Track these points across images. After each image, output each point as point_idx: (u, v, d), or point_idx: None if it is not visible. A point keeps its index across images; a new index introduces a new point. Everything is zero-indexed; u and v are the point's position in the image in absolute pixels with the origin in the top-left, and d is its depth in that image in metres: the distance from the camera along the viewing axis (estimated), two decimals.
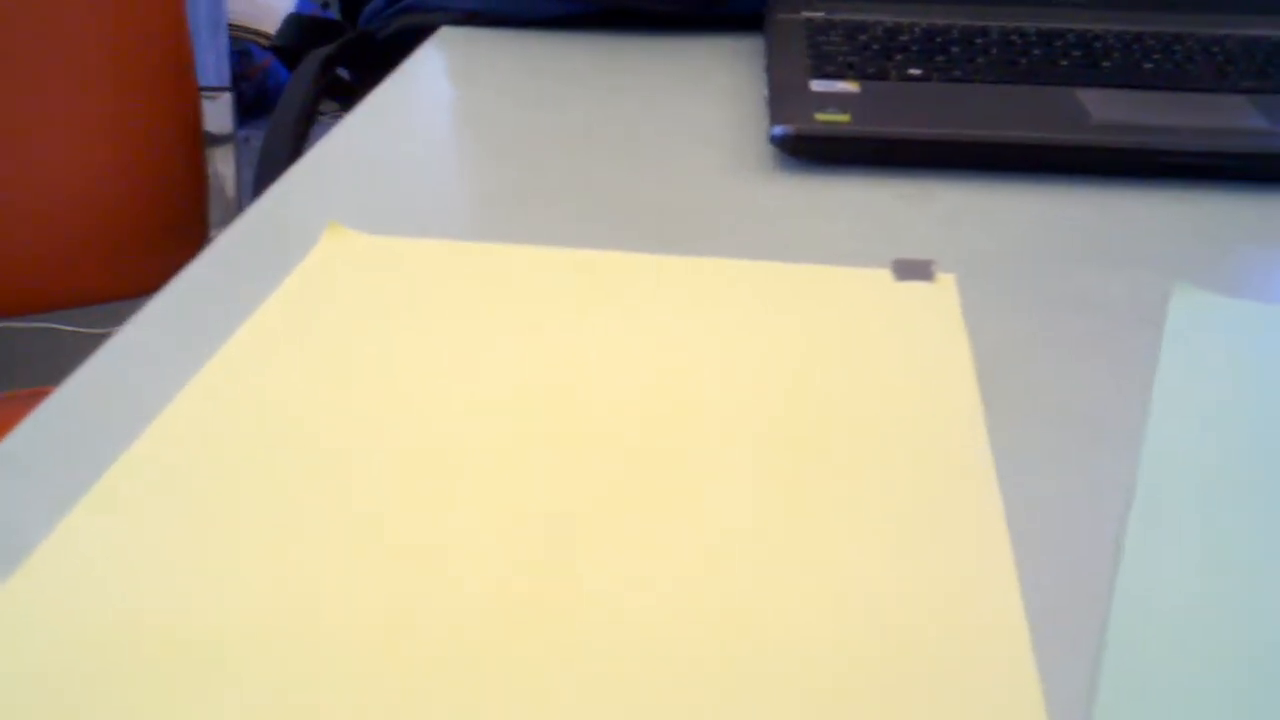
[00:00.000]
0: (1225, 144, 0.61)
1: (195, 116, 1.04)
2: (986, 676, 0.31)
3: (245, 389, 0.42)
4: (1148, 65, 0.70)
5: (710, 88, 0.73)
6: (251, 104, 2.25)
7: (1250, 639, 0.32)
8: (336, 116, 0.71)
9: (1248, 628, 0.32)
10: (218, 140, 1.66)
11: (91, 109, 0.97)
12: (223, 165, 1.67)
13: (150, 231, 1.02)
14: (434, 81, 0.74)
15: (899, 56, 0.70)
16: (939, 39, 0.73)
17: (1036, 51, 0.71)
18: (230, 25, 2.27)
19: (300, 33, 0.91)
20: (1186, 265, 0.52)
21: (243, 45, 2.24)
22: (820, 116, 0.61)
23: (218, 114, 1.62)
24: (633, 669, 0.31)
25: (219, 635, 0.31)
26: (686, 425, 0.40)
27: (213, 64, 2.18)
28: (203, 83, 1.94)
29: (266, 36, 2.20)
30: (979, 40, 0.73)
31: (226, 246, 0.52)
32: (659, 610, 0.33)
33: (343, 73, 0.92)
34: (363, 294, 0.48)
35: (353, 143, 0.63)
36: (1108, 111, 0.63)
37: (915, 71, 0.68)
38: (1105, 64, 0.70)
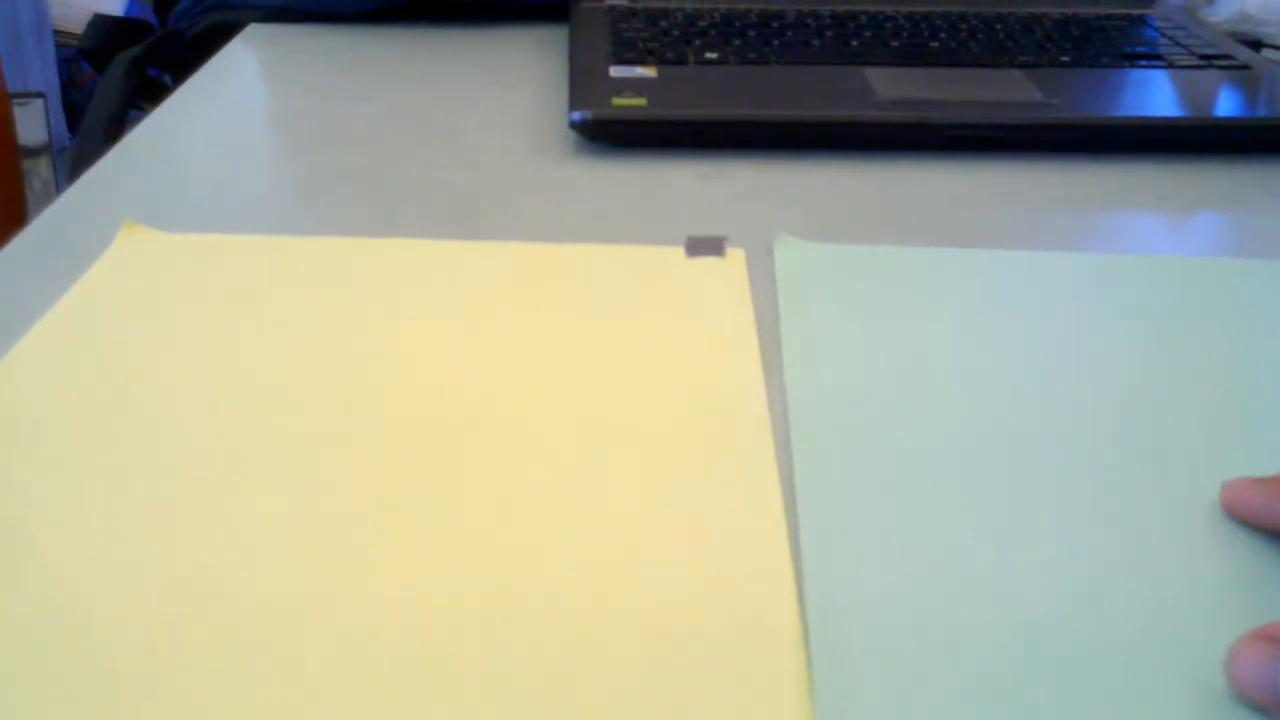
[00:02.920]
0: (1002, 116, 0.64)
1: (5, 124, 1.01)
2: (755, 659, 0.33)
3: (33, 391, 0.42)
4: (934, 44, 0.73)
5: (515, 77, 0.74)
6: (83, 111, 2.18)
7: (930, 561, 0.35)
8: None
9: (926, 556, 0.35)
10: (38, 151, 1.61)
11: None
12: (47, 173, 1.62)
13: None
14: (240, 77, 0.73)
15: (698, 41, 0.72)
16: (737, 23, 0.75)
17: (829, 33, 0.74)
18: (59, 31, 2.20)
19: (107, 35, 0.89)
20: (967, 232, 0.55)
21: (72, 52, 2.17)
22: (617, 101, 0.63)
23: (31, 121, 1.57)
24: (414, 656, 0.32)
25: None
26: (481, 408, 0.42)
27: (39, 70, 2.12)
28: (28, 89, 1.88)
29: None
30: (775, 24, 0.75)
31: (19, 250, 0.51)
32: (443, 598, 0.34)
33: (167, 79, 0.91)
34: (158, 290, 0.48)
35: (154, 141, 0.63)
36: (893, 89, 0.66)
37: (712, 55, 0.70)
38: (894, 43, 0.73)
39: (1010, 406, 0.42)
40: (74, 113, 2.16)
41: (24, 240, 0.52)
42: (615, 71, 0.67)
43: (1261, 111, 0.66)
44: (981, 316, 0.48)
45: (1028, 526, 0.36)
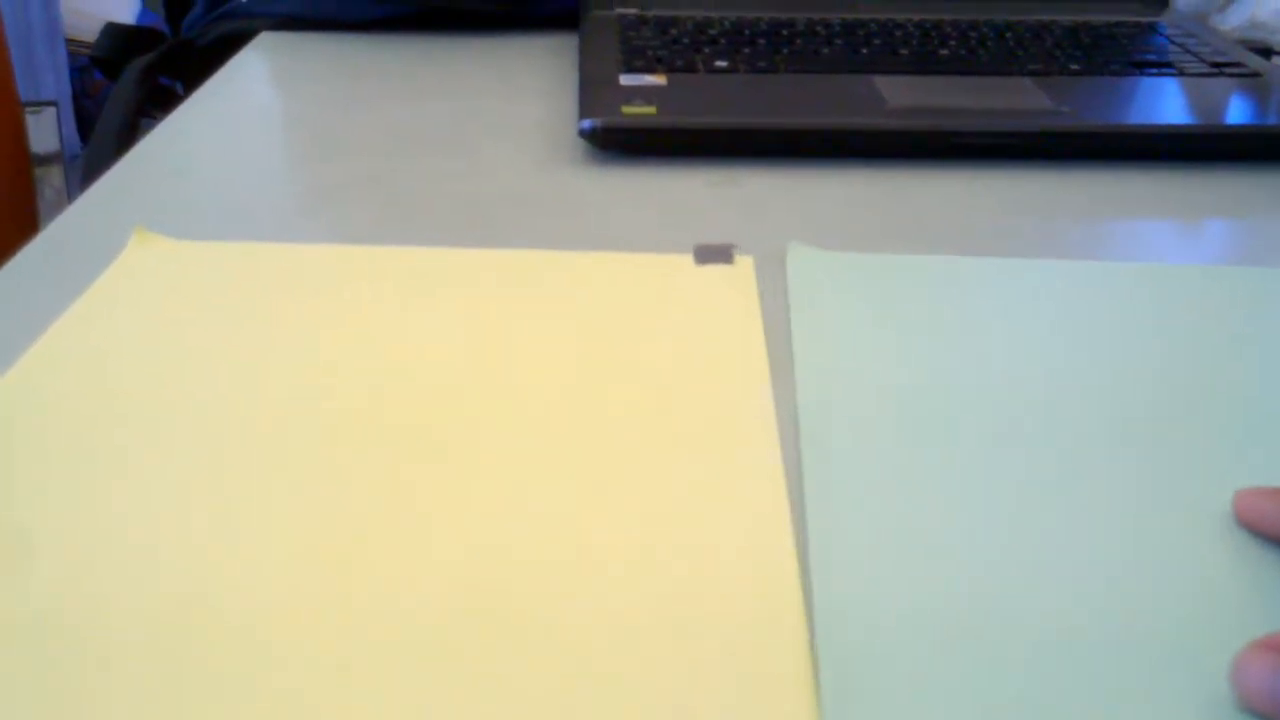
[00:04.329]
0: (1011, 124, 0.64)
1: (18, 132, 1.02)
2: (759, 642, 0.33)
3: (45, 397, 0.42)
4: (943, 52, 0.73)
5: (525, 86, 0.74)
6: (95, 119, 2.19)
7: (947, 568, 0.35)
8: None
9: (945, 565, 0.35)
10: (50, 160, 1.62)
11: None
12: (59, 182, 1.62)
13: None
14: (251, 85, 0.74)
15: (707, 50, 0.72)
16: (747, 32, 0.75)
17: (839, 42, 0.74)
18: (72, 40, 2.21)
19: (119, 43, 0.90)
20: (977, 240, 0.55)
21: (85, 61, 2.18)
22: (627, 109, 0.63)
23: (43, 129, 1.57)
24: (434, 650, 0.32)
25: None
26: (491, 415, 0.42)
27: (51, 79, 2.12)
28: (40, 98, 1.88)
29: None
30: (785, 32, 0.75)
31: (31, 257, 0.52)
32: (449, 599, 0.34)
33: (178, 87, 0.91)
34: (169, 297, 0.48)
35: (166, 149, 0.63)
36: (902, 96, 0.66)
37: (722, 64, 0.70)
38: (903, 52, 0.73)
39: (1022, 412, 0.42)
40: (86, 121, 2.17)
41: (36, 247, 0.52)
42: (625, 79, 0.67)
43: (1272, 119, 0.66)
44: (992, 324, 0.48)
45: (1037, 532, 0.36)
